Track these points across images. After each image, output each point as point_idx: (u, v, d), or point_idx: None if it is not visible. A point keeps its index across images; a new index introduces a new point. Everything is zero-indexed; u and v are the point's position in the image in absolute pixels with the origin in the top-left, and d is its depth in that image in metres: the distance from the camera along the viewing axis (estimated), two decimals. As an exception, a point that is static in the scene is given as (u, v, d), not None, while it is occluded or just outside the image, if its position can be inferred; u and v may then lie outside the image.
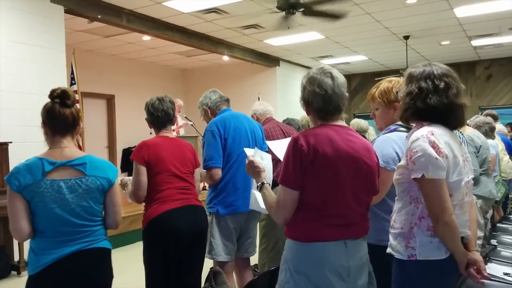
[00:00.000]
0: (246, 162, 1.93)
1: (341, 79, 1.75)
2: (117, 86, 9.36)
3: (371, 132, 5.66)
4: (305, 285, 1.66)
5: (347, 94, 1.78)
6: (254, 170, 1.90)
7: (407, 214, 1.68)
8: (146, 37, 7.40)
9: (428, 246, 1.62)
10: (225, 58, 8.91)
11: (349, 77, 12.49)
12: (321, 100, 1.71)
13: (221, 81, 9.63)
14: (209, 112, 3.05)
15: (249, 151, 2.04)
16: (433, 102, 1.65)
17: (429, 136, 1.60)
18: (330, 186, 1.65)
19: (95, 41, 7.87)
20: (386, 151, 1.97)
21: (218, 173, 2.80)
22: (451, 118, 1.68)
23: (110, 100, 9.47)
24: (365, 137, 5.64)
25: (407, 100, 1.71)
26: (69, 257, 1.81)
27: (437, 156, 1.57)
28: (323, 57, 9.84)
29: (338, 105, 1.73)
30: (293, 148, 1.67)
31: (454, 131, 1.74)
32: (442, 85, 1.66)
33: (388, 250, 1.73)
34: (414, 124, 1.76)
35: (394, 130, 2.06)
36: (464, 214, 1.68)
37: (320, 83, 1.71)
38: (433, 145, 1.58)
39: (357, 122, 5.20)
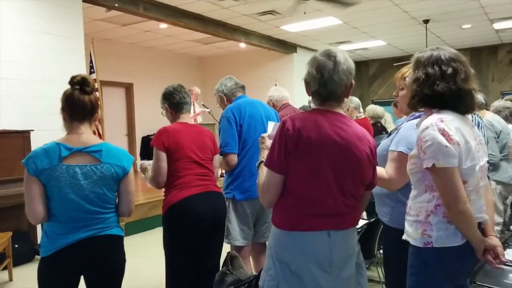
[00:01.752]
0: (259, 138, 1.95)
1: (345, 65, 1.65)
2: (135, 74, 9.45)
3: (388, 119, 5.61)
4: (286, 273, 1.64)
5: (351, 82, 1.69)
6: (260, 146, 1.93)
7: (422, 202, 1.67)
8: (163, 25, 7.43)
9: (444, 234, 1.61)
10: (242, 45, 8.88)
11: (367, 63, 12.32)
12: (317, 83, 1.66)
13: (238, 69, 9.62)
14: (225, 99, 3.07)
15: (269, 125, 2.04)
16: (440, 88, 1.62)
17: (438, 123, 1.57)
18: (311, 173, 1.61)
19: (113, 29, 7.94)
20: (412, 138, 1.87)
21: (234, 159, 2.82)
22: (459, 104, 1.64)
23: (128, 89, 9.57)
24: (381, 123, 5.57)
25: (414, 86, 1.68)
26: (81, 243, 1.84)
27: (447, 144, 1.54)
28: (340, 42, 9.70)
29: (334, 91, 1.66)
30: (281, 130, 1.64)
31: (467, 115, 1.71)
32: (449, 70, 1.62)
33: (404, 236, 1.72)
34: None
35: (419, 116, 2.04)
36: (480, 199, 1.67)
37: (319, 66, 1.66)
38: (443, 133, 1.55)
39: (373, 108, 5.16)
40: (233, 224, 2.87)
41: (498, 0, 6.71)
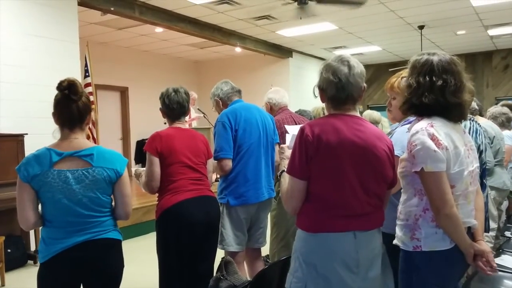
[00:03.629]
0: (279, 147, 1.99)
1: (358, 68, 1.71)
2: (130, 78, 9.43)
3: (385, 124, 5.62)
4: (313, 275, 1.67)
5: (364, 85, 1.75)
6: (280, 157, 1.99)
7: (412, 206, 1.69)
8: (159, 29, 7.42)
9: (433, 237, 1.62)
10: (238, 49, 8.89)
11: (362, 68, 12.35)
12: (334, 88, 1.70)
13: (233, 73, 9.62)
14: (221, 103, 3.06)
15: (287, 136, 2.05)
16: (427, 100, 1.63)
17: (428, 128, 1.59)
18: (334, 175, 1.65)
19: (108, 33, 7.93)
20: (406, 142, 1.93)
21: (228, 164, 2.81)
22: (447, 115, 1.66)
23: (123, 92, 9.55)
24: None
25: (405, 93, 1.71)
26: (77, 247, 1.83)
27: (436, 149, 1.56)
28: (336, 48, 9.75)
29: (351, 94, 1.71)
30: (300, 137, 1.68)
31: (458, 123, 1.72)
32: (439, 82, 1.63)
33: (395, 241, 1.73)
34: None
35: (413, 121, 2.05)
36: (469, 204, 1.68)
37: (335, 70, 1.70)
38: (432, 137, 1.57)
39: (369, 113, 5.17)
40: (227, 229, 2.86)
41: (493, 7, 6.77)
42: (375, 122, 5.10)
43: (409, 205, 1.70)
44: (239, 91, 3.10)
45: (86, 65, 5.90)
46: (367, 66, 12.58)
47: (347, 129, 1.68)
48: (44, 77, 4.81)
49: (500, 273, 2.66)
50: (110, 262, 1.94)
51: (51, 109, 1.93)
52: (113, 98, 9.45)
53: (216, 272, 2.57)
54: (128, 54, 9.37)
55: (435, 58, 1.68)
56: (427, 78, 1.64)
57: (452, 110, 1.66)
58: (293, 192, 1.71)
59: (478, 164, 1.76)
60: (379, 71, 11.90)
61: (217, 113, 3.06)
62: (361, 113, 5.30)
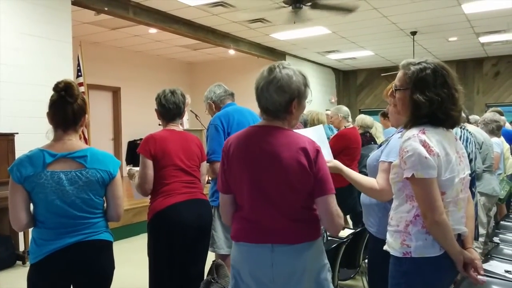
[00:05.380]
0: None
1: (282, 81, 1.61)
2: (123, 78, 9.39)
3: (379, 128, 5.64)
4: (237, 281, 1.71)
5: (287, 100, 1.63)
6: None
7: (403, 212, 1.69)
8: (153, 30, 7.40)
9: (423, 244, 1.62)
10: (231, 52, 8.90)
11: (355, 72, 12.44)
12: (256, 95, 1.69)
13: (227, 75, 9.62)
14: (214, 106, 3.07)
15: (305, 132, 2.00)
16: (423, 112, 1.63)
17: (420, 135, 1.60)
18: (239, 188, 1.67)
19: (101, 33, 7.89)
20: None
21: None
22: (451, 123, 1.68)
23: (116, 93, 9.50)
24: (370, 133, 5.60)
25: (412, 110, 1.67)
26: (69, 248, 1.83)
27: (427, 155, 1.56)
28: (329, 51, 9.80)
29: (266, 106, 1.65)
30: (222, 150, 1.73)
31: (450, 129, 1.73)
32: (436, 97, 1.62)
33: (385, 247, 1.73)
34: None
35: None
36: (459, 211, 1.68)
37: (257, 79, 1.67)
38: (424, 144, 1.58)
39: (362, 118, 5.20)
40: (219, 232, 2.85)
41: (484, 14, 6.86)
42: (367, 127, 5.14)
43: (400, 211, 1.70)
44: (232, 94, 3.10)
45: (78, 65, 5.87)
46: (359, 71, 12.75)
47: (255, 140, 1.66)
48: (36, 77, 4.77)
49: (488, 278, 2.69)
50: (101, 264, 1.93)
51: (43, 109, 1.92)
52: (105, 98, 9.39)
53: (207, 275, 2.57)
54: (121, 54, 9.32)
55: (426, 72, 1.65)
56: (425, 91, 1.63)
57: (451, 119, 1.67)
58: (221, 206, 1.78)
59: (469, 172, 1.77)
60: (372, 75, 12.00)
61: (210, 116, 3.06)
62: (352, 117, 5.34)
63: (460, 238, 1.68)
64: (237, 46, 8.39)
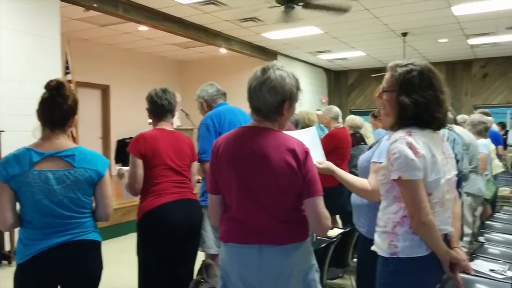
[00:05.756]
0: None
1: (276, 82, 1.61)
2: (112, 76, 9.30)
3: (368, 128, 5.68)
4: (225, 282, 1.71)
5: (280, 100, 1.62)
6: None
7: (390, 213, 1.70)
8: (143, 28, 7.34)
9: (410, 244, 1.64)
10: (223, 50, 8.87)
11: (346, 72, 12.49)
12: (247, 94, 1.69)
13: (218, 74, 9.59)
14: (205, 105, 3.05)
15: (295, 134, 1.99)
16: (409, 114, 1.64)
17: (406, 137, 1.61)
18: (228, 188, 1.66)
19: (90, 30, 7.81)
20: None
21: (210, 166, 2.79)
22: (438, 125, 1.69)
23: (105, 91, 9.41)
24: (360, 134, 5.62)
25: (399, 112, 1.68)
26: (56, 248, 1.80)
27: (414, 157, 1.58)
28: (321, 52, 9.83)
29: (257, 107, 1.65)
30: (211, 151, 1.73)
31: (437, 131, 1.74)
32: (421, 99, 1.63)
33: (373, 247, 1.74)
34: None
35: None
36: (446, 212, 1.70)
37: (250, 78, 1.68)
38: (411, 146, 1.59)
39: (352, 118, 5.22)
40: (208, 232, 2.84)
41: (474, 17, 6.93)
42: (357, 127, 5.16)
43: (387, 212, 1.71)
44: (224, 94, 3.09)
45: (66, 62, 5.80)
46: (350, 71, 12.80)
47: (244, 141, 1.65)
48: (22, 74, 4.70)
49: (473, 277, 2.72)
50: (89, 264, 1.91)
51: (29, 107, 1.90)
52: (94, 96, 9.30)
53: (197, 275, 2.55)
54: (111, 51, 9.24)
55: (413, 74, 1.66)
56: (411, 93, 1.64)
57: (435, 122, 1.68)
58: (210, 207, 1.77)
59: (456, 172, 1.79)
60: (363, 76, 12.06)
61: (202, 115, 3.04)
62: (343, 117, 5.37)
63: (446, 238, 1.70)
64: (228, 45, 8.37)
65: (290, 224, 1.65)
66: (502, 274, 2.74)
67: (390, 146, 1.64)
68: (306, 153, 1.64)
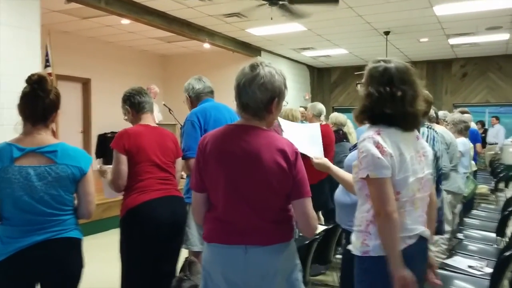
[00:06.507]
0: None
1: (266, 79, 1.61)
2: (93, 69, 9.14)
3: (350, 125, 5.73)
4: (207, 283, 1.70)
5: (269, 98, 1.62)
6: None
7: (363, 212, 1.72)
8: (125, 21, 7.22)
9: (381, 243, 1.64)
10: (206, 45, 8.80)
11: (329, 70, 12.56)
12: (235, 92, 1.67)
13: (201, 69, 9.47)
14: (191, 100, 3.03)
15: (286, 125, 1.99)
16: (390, 111, 1.66)
17: (374, 136, 1.64)
18: (215, 187, 1.64)
19: (72, 22, 7.64)
20: None
21: (195, 163, 2.77)
22: (403, 124, 1.69)
23: (86, 84, 9.24)
24: (342, 131, 5.67)
25: (366, 102, 1.72)
26: (36, 246, 1.76)
27: (380, 156, 1.60)
28: (304, 48, 9.85)
29: (246, 103, 1.63)
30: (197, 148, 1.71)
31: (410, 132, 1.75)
32: (399, 93, 1.66)
33: (349, 246, 1.77)
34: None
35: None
36: (416, 210, 1.72)
37: (239, 74, 1.66)
38: (377, 145, 1.62)
39: (335, 115, 5.27)
40: (192, 229, 2.83)
41: (454, 17, 7.04)
42: (341, 124, 5.21)
43: (361, 210, 1.74)
44: (211, 92, 3.05)
45: (47, 55, 5.66)
46: (333, 68, 12.85)
47: (233, 139, 1.63)
48: (1, 66, 4.55)
49: (452, 274, 2.78)
50: (70, 263, 1.88)
51: (8, 100, 1.85)
52: (75, 90, 9.13)
53: (180, 272, 2.54)
54: (92, 44, 9.07)
55: (393, 68, 1.69)
56: (388, 89, 1.66)
57: (408, 120, 1.69)
58: (194, 204, 1.74)
59: (430, 171, 1.79)
60: (345, 73, 12.15)
61: (187, 107, 3.02)
62: (326, 114, 5.40)
63: (422, 241, 1.71)
64: (212, 40, 8.31)
65: (277, 224, 1.65)
66: (480, 271, 2.80)
67: (359, 145, 1.67)
68: (296, 153, 1.65)
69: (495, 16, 6.90)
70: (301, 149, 2.03)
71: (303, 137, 2.63)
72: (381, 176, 1.60)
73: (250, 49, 9.44)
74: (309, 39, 8.76)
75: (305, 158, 2.09)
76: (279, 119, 2.19)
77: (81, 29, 8.20)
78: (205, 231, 1.72)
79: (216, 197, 1.66)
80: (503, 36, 8.34)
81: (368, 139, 1.64)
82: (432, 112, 3.94)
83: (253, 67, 1.64)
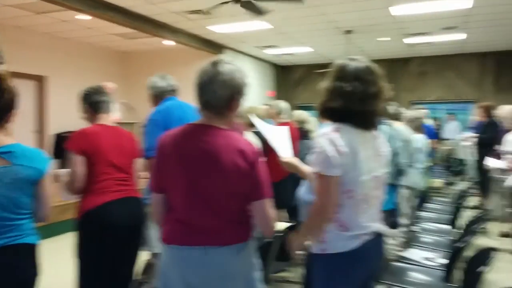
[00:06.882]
0: None
1: (227, 77, 1.60)
2: (49, 66, 8.78)
3: (313, 122, 5.81)
4: (165, 284, 1.68)
5: (231, 96, 1.62)
6: None
7: None
8: (83, 16, 6.99)
9: (337, 239, 1.69)
10: (169, 42, 8.67)
11: (292, 68, 12.66)
12: (196, 90, 1.64)
13: (164, 66, 9.28)
14: (153, 98, 2.97)
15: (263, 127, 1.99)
16: (334, 105, 1.70)
17: (330, 133, 1.66)
18: (173, 188, 1.63)
19: (25, 17, 7.31)
20: None
21: (156, 162, 2.72)
22: (362, 122, 1.73)
23: (41, 82, 8.87)
24: (305, 128, 5.73)
25: (324, 98, 1.75)
26: None
27: (332, 154, 1.63)
28: (267, 47, 9.87)
29: (208, 101, 1.62)
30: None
31: (368, 131, 1.78)
32: (348, 88, 1.68)
33: (307, 244, 1.79)
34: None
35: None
36: (371, 208, 1.75)
37: (201, 72, 1.64)
38: (332, 143, 1.64)
39: (299, 113, 5.33)
40: (152, 229, 2.77)
41: (410, 17, 7.26)
42: (304, 122, 5.27)
43: None
44: (175, 90, 3.00)
45: (-2, 51, 5.39)
46: (296, 66, 12.93)
47: (191, 139, 1.61)
48: None
49: (408, 265, 2.88)
50: (24, 270, 1.80)
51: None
52: (29, 87, 8.74)
53: (139, 275, 2.49)
54: (48, 40, 8.71)
55: (351, 65, 1.73)
56: (338, 83, 1.70)
57: (359, 117, 1.71)
58: (153, 205, 1.72)
59: (386, 170, 1.83)
60: (309, 72, 12.28)
61: (150, 106, 2.97)
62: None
63: (379, 238, 1.76)
64: (175, 37, 8.18)
65: (236, 224, 1.65)
66: (435, 262, 2.91)
67: (315, 141, 1.70)
68: (256, 154, 1.64)
69: (450, 16, 7.17)
70: (272, 144, 2.05)
71: (273, 135, 2.65)
72: (328, 174, 1.64)
73: (213, 46, 9.37)
74: (272, 37, 8.79)
75: (273, 153, 2.10)
76: (251, 116, 2.22)
77: (36, 24, 7.86)
78: (163, 232, 1.69)
79: (175, 198, 1.63)
80: (460, 36, 8.66)
81: (324, 136, 1.67)
82: (393, 109, 4.06)
83: (214, 64, 1.63)
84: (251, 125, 4.12)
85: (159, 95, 2.93)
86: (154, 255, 2.75)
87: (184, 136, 1.65)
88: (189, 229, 1.62)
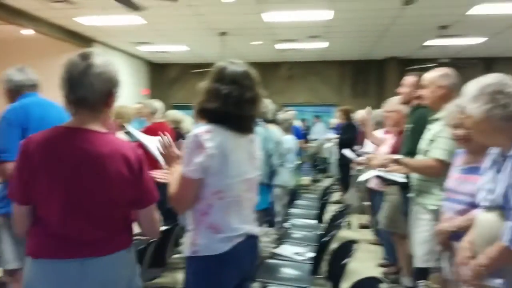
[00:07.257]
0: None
1: (102, 69, 1.48)
2: None
3: (188, 122, 5.77)
4: None
5: (108, 90, 1.52)
6: None
7: (195, 211, 1.74)
8: None
9: (209, 242, 1.69)
10: (28, 32, 7.76)
11: (167, 66, 12.42)
12: (65, 86, 1.49)
13: (21, 58, 8.16)
14: (9, 94, 2.62)
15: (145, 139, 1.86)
16: (210, 106, 1.71)
17: (200, 134, 1.67)
18: (45, 198, 1.48)
19: None
20: None
21: (11, 168, 2.39)
22: (237, 125, 1.74)
23: None
24: (179, 128, 5.67)
25: (203, 97, 1.74)
26: None
27: (197, 155, 1.64)
28: (141, 43, 9.52)
29: (83, 96, 1.47)
30: (18, 155, 1.50)
31: (244, 134, 1.81)
32: (224, 91, 1.70)
33: (181, 247, 1.78)
34: None
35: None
36: (243, 210, 1.78)
37: (69, 65, 1.49)
38: (199, 145, 1.65)
39: (172, 113, 5.26)
40: (6, 244, 2.43)
41: (280, 24, 7.70)
42: (178, 122, 5.20)
43: (193, 210, 1.74)
44: (35, 85, 2.67)
45: None
46: (172, 65, 12.73)
47: (67, 146, 1.47)
48: None
49: (279, 261, 3.03)
50: None
51: None
52: None
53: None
54: None
55: (230, 68, 1.75)
56: (216, 85, 1.71)
57: (235, 120, 1.72)
58: (18, 217, 1.54)
59: (258, 173, 1.88)
60: (184, 71, 12.18)
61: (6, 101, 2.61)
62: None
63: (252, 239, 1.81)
64: (36, 26, 7.36)
65: (117, 233, 1.55)
66: (304, 256, 3.12)
67: (186, 141, 1.69)
68: (141, 159, 1.56)
69: (314, 26, 7.79)
70: (153, 153, 1.98)
71: (151, 143, 2.55)
72: (188, 175, 1.65)
73: (80, 39, 8.68)
74: (146, 33, 8.50)
75: (150, 156, 2.02)
76: (127, 126, 2.11)
77: None
78: (30, 246, 1.50)
79: (48, 211, 1.47)
80: (323, 44, 9.47)
81: (193, 136, 1.66)
82: (269, 112, 4.24)
83: (84, 57, 1.49)
84: (122, 126, 3.93)
85: (16, 90, 2.60)
86: (8, 271, 2.41)
87: (58, 143, 1.46)
88: (64, 241, 1.46)
